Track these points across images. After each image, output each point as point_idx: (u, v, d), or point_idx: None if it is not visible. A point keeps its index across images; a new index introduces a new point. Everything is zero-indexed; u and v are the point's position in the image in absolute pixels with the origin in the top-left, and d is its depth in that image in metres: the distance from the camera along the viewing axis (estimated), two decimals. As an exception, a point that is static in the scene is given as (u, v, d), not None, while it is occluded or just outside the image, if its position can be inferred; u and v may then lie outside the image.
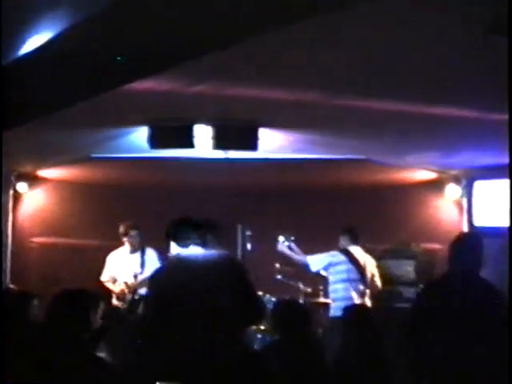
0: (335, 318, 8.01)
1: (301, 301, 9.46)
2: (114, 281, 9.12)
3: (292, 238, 9.55)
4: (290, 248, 8.86)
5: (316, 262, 8.64)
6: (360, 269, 8.62)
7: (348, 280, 8.53)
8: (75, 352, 4.24)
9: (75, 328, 4.48)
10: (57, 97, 6.14)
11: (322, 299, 9.68)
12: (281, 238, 8.79)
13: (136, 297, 8.86)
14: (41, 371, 4.02)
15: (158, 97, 6.30)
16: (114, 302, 8.99)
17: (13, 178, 10.64)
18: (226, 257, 5.25)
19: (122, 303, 8.95)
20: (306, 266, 8.70)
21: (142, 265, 9.18)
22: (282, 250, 8.78)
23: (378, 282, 8.83)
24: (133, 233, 9.24)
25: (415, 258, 10.28)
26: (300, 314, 5.79)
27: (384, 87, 5.90)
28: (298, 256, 8.76)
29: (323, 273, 8.82)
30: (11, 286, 9.29)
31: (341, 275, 8.56)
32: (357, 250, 8.71)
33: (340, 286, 8.55)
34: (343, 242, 8.82)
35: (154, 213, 11.00)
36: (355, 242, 8.79)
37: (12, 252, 10.72)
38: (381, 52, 5.00)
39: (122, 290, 9.00)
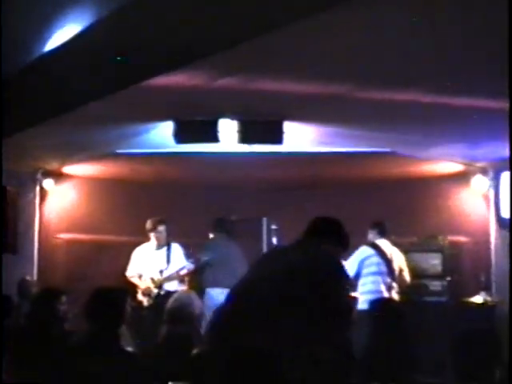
0: (362, 312, 7.98)
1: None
2: (140, 276, 9.15)
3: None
4: None
5: (351, 266, 8.56)
6: (388, 262, 8.59)
7: (377, 273, 8.52)
8: (106, 346, 4.29)
9: (109, 323, 4.53)
10: (82, 91, 6.17)
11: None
12: None
13: (162, 292, 8.88)
14: (73, 364, 4.07)
15: (182, 91, 6.31)
16: (140, 297, 9.01)
17: (39, 175, 10.71)
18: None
19: (148, 299, 8.98)
20: None
21: (168, 260, 9.22)
22: None
23: (407, 276, 8.78)
24: (160, 228, 9.29)
25: (442, 251, 10.22)
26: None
27: (410, 78, 5.87)
28: None
29: (361, 267, 8.74)
30: (28, 278, 9.33)
31: (370, 268, 8.54)
32: (385, 244, 8.68)
33: (369, 279, 8.54)
34: (371, 235, 8.79)
35: (180, 208, 11.06)
36: (383, 235, 8.76)
37: (38, 248, 10.79)
38: (406, 42, 4.97)
39: (148, 286, 9.02)
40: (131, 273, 9.28)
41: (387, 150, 9.09)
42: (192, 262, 9.21)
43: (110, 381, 4.08)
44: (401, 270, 8.74)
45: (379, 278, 8.49)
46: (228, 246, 9.60)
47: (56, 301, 6.04)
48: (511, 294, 4.52)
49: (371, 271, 8.53)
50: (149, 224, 9.33)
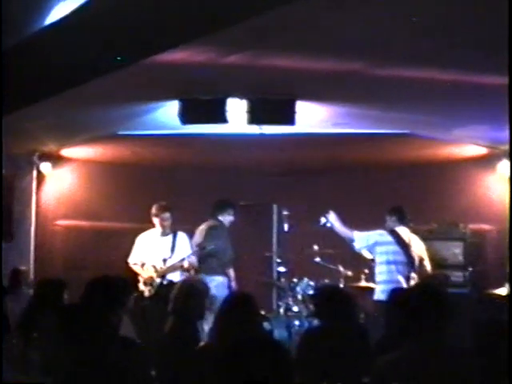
0: (379, 302, 8.03)
1: (341, 285, 9.51)
2: (142, 264, 9.19)
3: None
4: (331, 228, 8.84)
5: (362, 238, 8.62)
6: (407, 251, 8.59)
7: (393, 262, 8.52)
8: (108, 335, 4.35)
9: (109, 313, 4.60)
10: (81, 69, 6.20)
11: (363, 283, 9.71)
12: (322, 219, 8.78)
13: (164, 282, 8.92)
14: (74, 354, 4.14)
15: (189, 68, 6.33)
16: (141, 286, 9.05)
17: (36, 159, 10.76)
18: None
19: (150, 288, 9.01)
20: (350, 241, 8.67)
21: (173, 249, 9.24)
22: (329, 220, 8.75)
23: (428, 265, 8.78)
24: (165, 215, 9.31)
25: (463, 240, 10.23)
26: (344, 299, 5.82)
27: (429, 56, 5.87)
28: (344, 229, 8.71)
29: (366, 253, 8.81)
30: (21, 267, 9.40)
31: (386, 256, 8.55)
32: (404, 231, 8.69)
33: (385, 268, 8.55)
34: (390, 222, 8.78)
35: (186, 193, 11.11)
36: (402, 222, 8.75)
37: (36, 236, 10.85)
38: (425, 16, 4.98)
39: (150, 276, 9.06)
40: (133, 260, 9.31)
41: (405, 131, 9.10)
42: (195, 252, 9.23)
43: (110, 369, 4.14)
44: (421, 260, 8.73)
45: (396, 267, 8.50)
46: (224, 233, 9.70)
47: (61, 292, 6.14)
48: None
49: (387, 260, 8.54)
50: (154, 209, 9.37)
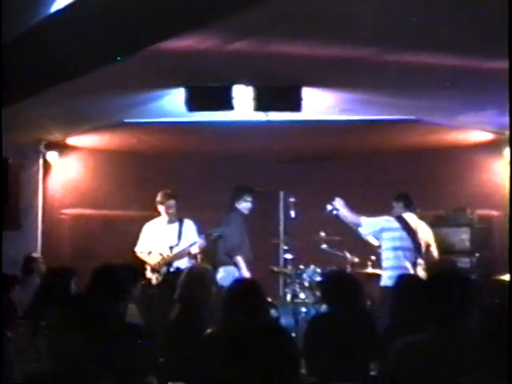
0: (386, 288, 8.02)
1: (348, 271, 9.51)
2: (149, 252, 9.21)
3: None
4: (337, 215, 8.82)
5: (369, 224, 8.61)
6: (414, 237, 8.58)
7: (400, 248, 8.51)
8: (115, 323, 4.37)
9: (115, 301, 4.61)
10: (87, 57, 6.19)
11: (370, 270, 9.71)
12: (329, 206, 8.76)
13: (171, 269, 8.94)
14: (81, 343, 4.15)
15: (194, 56, 6.31)
16: (148, 274, 9.07)
17: (42, 148, 10.76)
18: None
19: (157, 276, 9.03)
20: (357, 227, 8.66)
21: (179, 236, 9.25)
22: (335, 206, 8.73)
23: (435, 252, 8.77)
24: (169, 202, 9.32)
25: (470, 226, 10.22)
26: (351, 285, 5.81)
27: (435, 41, 5.84)
28: (351, 215, 8.69)
29: (372, 239, 8.80)
30: (35, 254, 9.43)
31: (393, 242, 8.54)
32: (411, 218, 8.68)
33: (391, 254, 8.54)
34: (397, 208, 8.77)
35: (192, 181, 11.12)
36: (409, 208, 8.74)
37: (43, 225, 10.87)
38: (431, 3, 4.96)
39: (158, 263, 9.08)
40: (140, 249, 9.33)
41: (412, 117, 9.08)
42: (202, 238, 9.22)
43: (118, 357, 4.16)
44: (428, 246, 8.73)
45: (403, 253, 8.49)
46: (239, 220, 9.63)
47: (69, 280, 6.16)
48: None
49: (393, 246, 8.53)
50: (159, 197, 9.38)
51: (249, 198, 9.66)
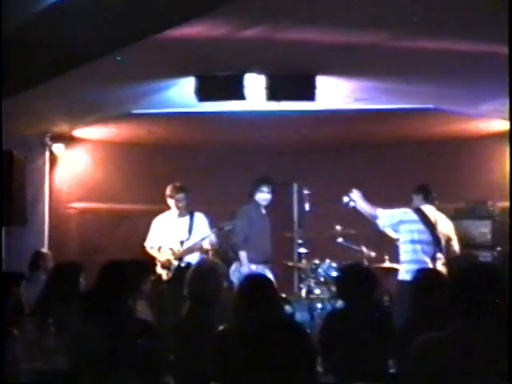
0: (403, 282, 8.02)
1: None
2: (159, 247, 9.21)
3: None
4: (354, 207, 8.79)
5: (386, 216, 8.59)
6: (432, 230, 8.55)
7: (418, 241, 8.49)
8: (124, 320, 4.38)
9: (124, 297, 4.62)
10: (94, 45, 6.18)
11: (387, 264, 9.70)
12: (345, 198, 8.74)
13: (182, 265, 8.94)
14: (90, 340, 4.17)
15: (205, 43, 6.30)
16: (159, 270, 9.08)
17: (48, 140, 10.77)
18: None
19: (167, 272, 9.04)
20: (374, 219, 8.64)
21: (190, 230, 9.25)
22: (352, 198, 8.71)
23: (456, 246, 8.73)
24: (179, 196, 9.31)
25: (492, 218, 10.18)
26: (368, 280, 5.80)
27: (454, 25, 5.81)
28: (368, 207, 8.66)
29: (391, 232, 8.78)
30: (43, 250, 9.45)
31: (410, 235, 8.52)
32: (430, 210, 8.65)
33: (409, 247, 8.52)
34: (416, 200, 8.74)
35: (202, 173, 11.12)
36: (428, 200, 8.71)
37: (49, 219, 10.89)
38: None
39: (168, 258, 9.08)
40: (150, 243, 9.34)
41: (431, 106, 9.04)
42: (214, 232, 9.20)
43: (127, 354, 4.18)
44: (448, 239, 8.69)
45: (421, 247, 8.47)
46: (255, 212, 9.57)
47: (77, 275, 6.18)
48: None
49: (411, 239, 8.51)
50: (168, 190, 9.37)
51: (266, 189, 9.50)
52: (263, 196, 9.51)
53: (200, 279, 5.74)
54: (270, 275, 8.83)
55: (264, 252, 9.37)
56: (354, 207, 8.68)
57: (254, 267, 9.10)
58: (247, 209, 9.49)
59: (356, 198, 8.67)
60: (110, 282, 4.83)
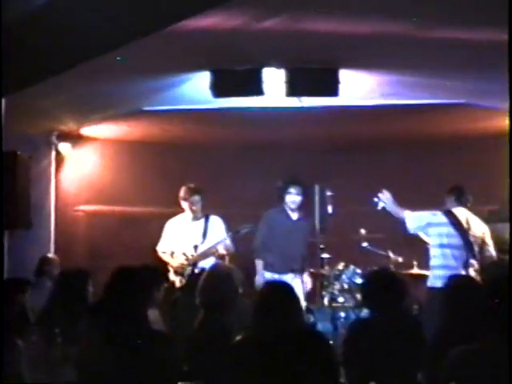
0: (433, 289, 7.99)
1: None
2: (172, 252, 9.22)
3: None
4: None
5: (414, 218, 8.56)
6: (463, 234, 8.51)
7: (447, 246, 8.45)
8: (136, 329, 4.39)
9: (136, 306, 4.64)
10: (103, 38, 6.19)
11: (416, 270, 9.67)
12: (376, 199, 8.70)
13: (196, 270, 8.95)
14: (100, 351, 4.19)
15: (220, 35, 6.32)
16: (171, 276, 9.08)
17: (54, 138, 10.82)
18: None
19: (181, 278, 9.04)
20: (402, 223, 8.61)
21: (205, 234, 9.25)
22: (382, 200, 8.68)
23: (492, 251, 8.67)
24: (194, 198, 9.30)
25: (529, 221, 10.13)
26: (395, 287, 5.78)
27: (485, 15, 5.79)
28: (396, 209, 8.63)
29: (423, 236, 8.74)
30: (50, 255, 9.50)
31: (439, 239, 8.48)
32: (462, 212, 8.61)
33: (438, 251, 8.48)
34: (448, 202, 8.71)
35: (218, 174, 11.12)
36: (461, 202, 8.67)
37: (56, 223, 10.94)
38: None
39: (181, 264, 9.09)
40: (163, 248, 9.35)
41: (461, 101, 9.02)
42: (229, 236, 9.18)
43: (140, 365, 4.19)
44: (482, 244, 8.64)
45: (450, 252, 8.44)
46: (286, 220, 9.48)
47: (85, 283, 6.20)
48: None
49: (440, 243, 8.48)
50: (182, 192, 9.37)
51: (294, 191, 9.37)
52: (291, 198, 9.38)
53: (213, 286, 5.74)
54: (298, 286, 8.88)
55: (290, 260, 9.22)
56: (384, 209, 8.65)
57: (276, 277, 9.00)
58: (270, 213, 9.44)
59: (386, 200, 8.64)
60: (120, 289, 4.84)
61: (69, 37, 6.19)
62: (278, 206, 9.48)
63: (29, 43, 6.29)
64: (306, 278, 9.43)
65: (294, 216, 9.44)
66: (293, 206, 9.39)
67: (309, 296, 9.62)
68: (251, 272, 9.16)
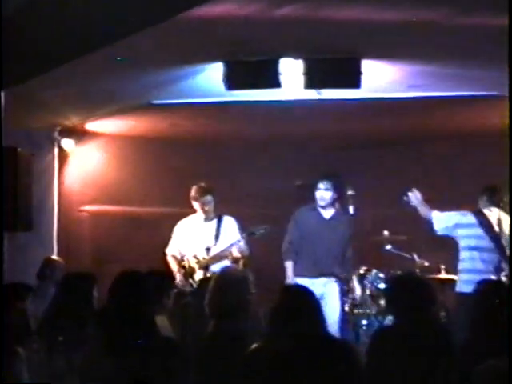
0: (461, 295, 7.97)
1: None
2: (182, 256, 9.23)
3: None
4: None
5: (441, 219, 8.51)
6: (494, 236, 8.49)
7: (476, 248, 8.42)
8: (143, 337, 4.40)
9: (144, 312, 4.65)
10: (108, 27, 6.20)
11: (443, 275, 9.65)
12: (404, 198, 8.66)
13: (208, 274, 8.95)
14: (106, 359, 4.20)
15: (234, 24, 6.32)
16: (181, 281, 9.08)
17: (57, 134, 10.84)
18: None
19: (191, 282, 9.05)
20: (429, 223, 8.57)
21: (217, 236, 9.26)
22: (411, 199, 8.64)
23: (526, 255, 8.66)
24: (206, 198, 9.29)
25: None
26: (421, 292, 5.76)
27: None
28: (424, 209, 8.59)
29: (453, 232, 8.68)
30: (54, 258, 9.52)
31: (468, 241, 8.45)
32: (494, 213, 8.57)
33: (466, 254, 8.45)
34: (481, 202, 8.67)
35: (231, 172, 11.12)
36: (494, 202, 8.62)
37: (59, 224, 10.96)
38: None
39: (192, 268, 9.10)
40: (172, 251, 9.35)
41: (495, 92, 8.98)
42: (244, 237, 9.16)
43: (146, 375, 4.20)
44: (517, 247, 8.62)
45: (479, 255, 8.40)
46: (317, 220, 9.22)
47: (90, 288, 6.22)
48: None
49: (469, 245, 8.44)
50: (193, 192, 9.37)
51: (322, 186, 9.02)
52: (319, 194, 9.04)
53: (223, 292, 5.72)
54: (332, 292, 8.77)
55: (322, 263, 8.93)
56: (414, 208, 8.60)
57: (306, 282, 8.24)
58: (300, 212, 9.16)
59: (415, 199, 8.59)
60: (127, 295, 4.85)
61: (72, 26, 6.21)
62: (309, 204, 9.20)
63: (29, 33, 6.31)
64: (354, 283, 9.30)
65: (327, 214, 9.13)
66: (322, 203, 9.03)
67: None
68: (267, 276, 9.13)
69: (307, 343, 4.51)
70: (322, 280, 8.80)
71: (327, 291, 8.67)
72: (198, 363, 5.37)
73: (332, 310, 8.50)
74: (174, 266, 9.20)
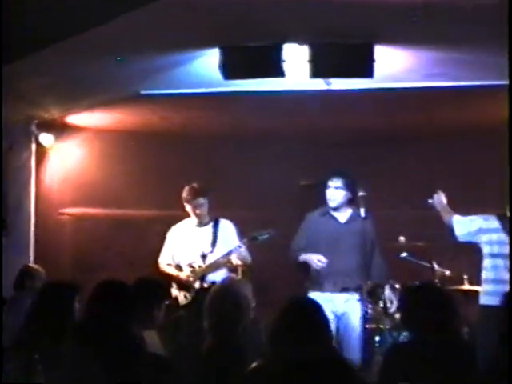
0: (485, 308, 7.97)
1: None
2: (177, 264, 9.24)
3: None
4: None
5: (463, 224, 8.52)
6: (517, 242, 8.50)
7: (499, 255, 8.40)
8: (131, 354, 4.41)
9: (131, 326, 4.65)
10: (92, 8, 6.22)
11: (466, 286, 9.65)
12: (429, 201, 8.66)
13: (205, 285, 8.97)
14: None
15: (232, 5, 6.33)
16: (174, 291, 9.10)
17: (34, 128, 10.82)
18: None
19: (186, 294, 9.06)
20: (450, 229, 8.58)
21: (214, 242, 9.27)
22: (435, 201, 8.64)
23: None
24: (197, 201, 9.29)
25: None
26: (441, 304, 5.77)
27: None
28: (446, 213, 8.59)
29: (476, 238, 8.67)
30: (32, 265, 9.53)
31: (490, 248, 8.45)
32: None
33: (489, 262, 8.45)
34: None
35: (228, 170, 11.13)
36: (517, 204, 8.64)
37: (36, 227, 10.96)
38: None
39: (186, 277, 9.11)
40: (165, 259, 9.36)
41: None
42: (244, 243, 9.16)
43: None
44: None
45: (503, 263, 8.39)
46: (328, 224, 9.16)
47: (71, 298, 6.22)
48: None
49: (491, 252, 8.45)
50: (184, 193, 9.36)
51: (332, 184, 8.99)
52: (329, 194, 8.99)
53: (221, 306, 5.74)
54: (354, 309, 8.73)
55: (340, 275, 8.80)
56: (438, 212, 8.60)
57: (325, 297, 8.36)
58: (313, 216, 9.15)
59: (438, 203, 8.60)
60: (110, 307, 4.86)
61: (54, 7, 6.22)
62: (322, 207, 9.12)
63: (6, 16, 6.32)
64: (388, 293, 9.14)
65: (343, 217, 9.08)
66: (333, 204, 8.96)
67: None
68: (269, 286, 9.15)
69: (310, 362, 4.52)
70: (344, 296, 8.78)
71: (348, 310, 8.67)
72: (192, 382, 5.40)
73: (352, 333, 8.55)
74: (169, 276, 9.21)
